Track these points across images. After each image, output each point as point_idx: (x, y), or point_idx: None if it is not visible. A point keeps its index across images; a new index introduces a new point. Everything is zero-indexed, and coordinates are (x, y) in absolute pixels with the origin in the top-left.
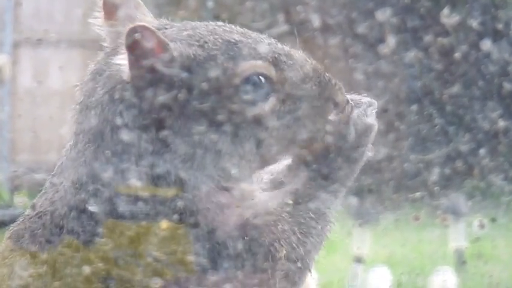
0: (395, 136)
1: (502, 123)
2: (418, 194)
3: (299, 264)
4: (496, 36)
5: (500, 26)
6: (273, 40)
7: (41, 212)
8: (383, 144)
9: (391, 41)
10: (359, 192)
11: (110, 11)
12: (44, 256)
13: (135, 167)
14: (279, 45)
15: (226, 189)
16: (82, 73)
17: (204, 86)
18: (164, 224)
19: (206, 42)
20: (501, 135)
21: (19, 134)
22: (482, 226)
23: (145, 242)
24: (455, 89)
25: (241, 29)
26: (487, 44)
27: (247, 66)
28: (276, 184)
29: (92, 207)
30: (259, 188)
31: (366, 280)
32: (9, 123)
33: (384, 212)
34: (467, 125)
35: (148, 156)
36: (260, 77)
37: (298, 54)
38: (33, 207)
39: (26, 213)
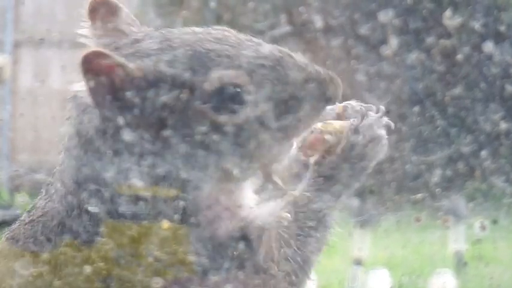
0: (397, 137)
1: (503, 125)
2: (419, 196)
3: (298, 268)
4: (498, 38)
5: (502, 28)
6: (255, 41)
7: (38, 214)
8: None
9: (393, 42)
10: (360, 193)
11: (97, 21)
12: (37, 257)
13: (107, 192)
14: (261, 45)
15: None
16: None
17: (176, 101)
18: (160, 224)
19: (175, 56)
20: (503, 137)
21: (20, 133)
22: (483, 228)
23: (139, 243)
24: (457, 90)
25: (222, 33)
26: (489, 46)
27: (215, 78)
28: (277, 190)
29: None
30: (259, 197)
31: (365, 282)
32: (10, 122)
33: (385, 213)
34: (469, 127)
35: (126, 173)
36: (231, 87)
37: (282, 53)
38: (31, 209)
39: (24, 214)
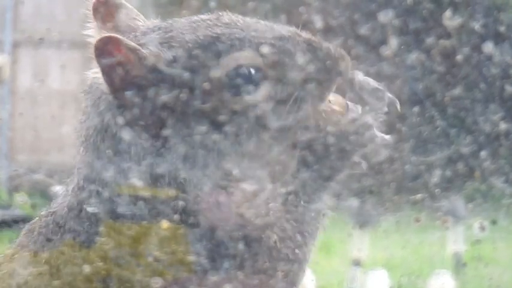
0: (397, 138)
1: (503, 126)
2: (419, 196)
3: (297, 267)
4: (498, 38)
5: (502, 29)
6: (262, 23)
7: (51, 211)
8: (384, 146)
9: (393, 42)
10: (360, 193)
11: (102, 20)
12: (45, 255)
13: (128, 172)
14: (268, 27)
15: (226, 189)
16: (83, 73)
17: (190, 86)
18: (161, 224)
19: (187, 42)
20: (502, 137)
21: (19, 133)
22: (482, 228)
23: (140, 242)
24: (457, 91)
25: (229, 19)
26: (489, 47)
27: (229, 60)
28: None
29: (91, 209)
30: (259, 186)
31: (364, 283)
32: (9, 122)
33: (385, 213)
34: (469, 127)
35: (142, 161)
36: (246, 68)
37: (291, 32)
38: (49, 206)
39: (41, 213)
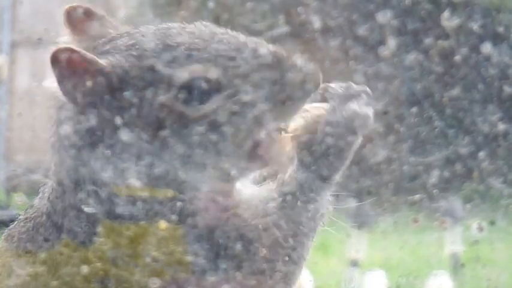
0: (395, 138)
1: (501, 127)
2: (417, 197)
3: (296, 268)
4: (497, 39)
5: (500, 29)
6: (229, 34)
7: (32, 214)
8: (382, 147)
9: (392, 43)
10: (358, 194)
11: (75, 27)
12: (30, 255)
13: (92, 187)
14: (234, 37)
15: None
16: None
17: (145, 96)
18: (154, 224)
19: (146, 51)
20: (501, 138)
21: (17, 133)
22: (481, 229)
23: (133, 243)
24: (455, 91)
25: (196, 29)
26: (487, 47)
27: (183, 71)
28: (265, 177)
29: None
30: (246, 185)
31: (362, 284)
32: (7, 122)
33: (383, 214)
34: (467, 128)
35: (100, 172)
36: (200, 80)
37: (255, 42)
38: (27, 209)
39: (21, 215)
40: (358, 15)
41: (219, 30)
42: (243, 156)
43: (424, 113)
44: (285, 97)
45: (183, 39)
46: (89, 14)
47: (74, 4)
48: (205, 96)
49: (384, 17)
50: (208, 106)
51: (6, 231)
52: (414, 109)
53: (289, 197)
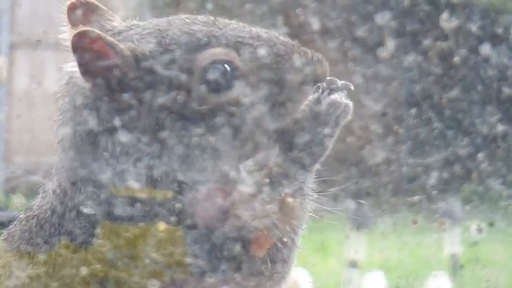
0: (394, 140)
1: (500, 128)
2: (416, 198)
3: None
4: (496, 40)
5: (499, 31)
6: (241, 24)
7: (31, 215)
8: (381, 148)
9: (390, 44)
10: (357, 195)
11: (76, 22)
12: (30, 256)
13: (107, 171)
14: (247, 28)
15: (211, 187)
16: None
17: (167, 81)
18: (155, 225)
19: (164, 38)
20: (500, 139)
21: (16, 135)
22: (480, 230)
23: (130, 244)
24: (454, 93)
25: (207, 18)
26: (486, 49)
27: (205, 56)
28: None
29: (87, 210)
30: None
31: (361, 285)
32: (6, 124)
33: (382, 215)
34: (466, 129)
35: (119, 159)
36: (221, 64)
37: (269, 34)
38: (27, 210)
39: (21, 215)
40: (356, 16)
41: (230, 21)
42: (261, 143)
43: (423, 114)
44: (297, 84)
45: (198, 27)
46: (91, 8)
47: (75, 0)
48: (230, 80)
49: (383, 18)
50: (234, 91)
51: (5, 231)
52: (413, 110)
53: (271, 189)
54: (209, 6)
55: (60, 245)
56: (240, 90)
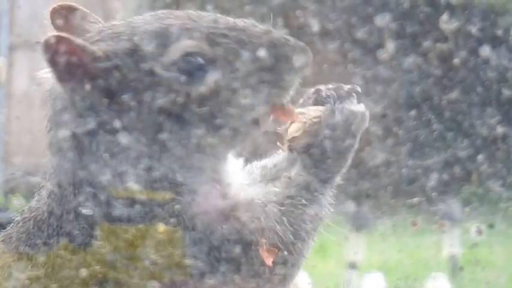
0: (394, 141)
1: (500, 130)
2: (415, 200)
3: (295, 271)
4: (495, 42)
5: (499, 33)
6: (218, 16)
7: (28, 216)
8: (381, 149)
9: (390, 46)
10: (356, 197)
11: (59, 26)
12: (27, 259)
13: (90, 172)
14: (223, 19)
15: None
16: None
17: (140, 78)
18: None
19: (135, 34)
20: (499, 141)
21: (16, 136)
22: (479, 232)
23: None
24: (454, 94)
25: (183, 12)
26: (486, 50)
27: (175, 48)
28: (269, 177)
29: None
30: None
31: (360, 286)
32: (6, 125)
33: (381, 217)
34: (466, 131)
35: (101, 161)
36: (193, 56)
37: (246, 23)
38: (24, 211)
39: (17, 217)
40: (356, 18)
41: (207, 13)
42: (244, 134)
43: (423, 116)
44: (279, 71)
45: (171, 21)
46: (72, 11)
47: (58, 4)
48: (202, 72)
49: (383, 19)
50: (207, 82)
51: (3, 232)
52: (413, 112)
53: (289, 200)
54: (209, 8)
55: (59, 247)
56: (216, 82)
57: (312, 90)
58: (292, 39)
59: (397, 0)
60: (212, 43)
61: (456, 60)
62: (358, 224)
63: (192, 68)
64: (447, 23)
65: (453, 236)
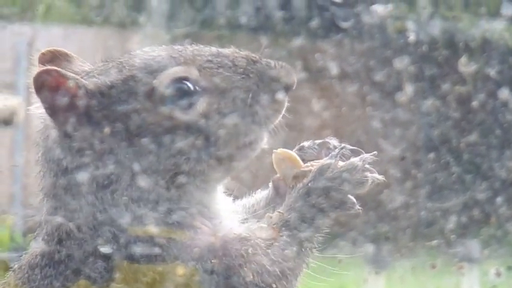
0: (412, 184)
1: None
2: (434, 242)
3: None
4: None
5: None
6: (202, 46)
7: (23, 264)
8: (400, 192)
9: (409, 89)
10: (375, 239)
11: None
12: None
13: (78, 209)
14: (206, 48)
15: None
16: None
17: (131, 107)
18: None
19: (124, 67)
20: None
21: (35, 178)
22: (498, 274)
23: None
24: (473, 137)
25: (168, 46)
26: (504, 93)
27: (165, 75)
28: (254, 215)
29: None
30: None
31: None
32: (24, 168)
33: (400, 259)
34: (484, 174)
35: (91, 196)
36: (180, 82)
37: (229, 50)
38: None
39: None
40: (375, 61)
41: (190, 45)
42: (239, 158)
43: (442, 158)
44: (265, 94)
45: (158, 53)
46: (62, 55)
47: (45, 49)
48: (191, 97)
49: (401, 63)
50: (198, 107)
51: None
52: (431, 154)
53: (281, 237)
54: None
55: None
56: (205, 105)
57: (321, 141)
58: (272, 61)
59: (416, 43)
60: (199, 68)
61: (475, 103)
62: (377, 265)
63: (181, 93)
64: (466, 66)
65: (472, 277)
